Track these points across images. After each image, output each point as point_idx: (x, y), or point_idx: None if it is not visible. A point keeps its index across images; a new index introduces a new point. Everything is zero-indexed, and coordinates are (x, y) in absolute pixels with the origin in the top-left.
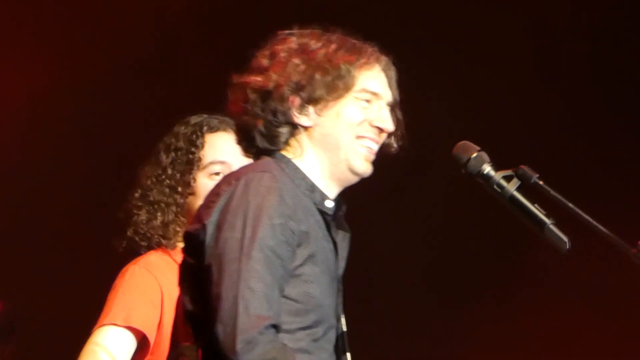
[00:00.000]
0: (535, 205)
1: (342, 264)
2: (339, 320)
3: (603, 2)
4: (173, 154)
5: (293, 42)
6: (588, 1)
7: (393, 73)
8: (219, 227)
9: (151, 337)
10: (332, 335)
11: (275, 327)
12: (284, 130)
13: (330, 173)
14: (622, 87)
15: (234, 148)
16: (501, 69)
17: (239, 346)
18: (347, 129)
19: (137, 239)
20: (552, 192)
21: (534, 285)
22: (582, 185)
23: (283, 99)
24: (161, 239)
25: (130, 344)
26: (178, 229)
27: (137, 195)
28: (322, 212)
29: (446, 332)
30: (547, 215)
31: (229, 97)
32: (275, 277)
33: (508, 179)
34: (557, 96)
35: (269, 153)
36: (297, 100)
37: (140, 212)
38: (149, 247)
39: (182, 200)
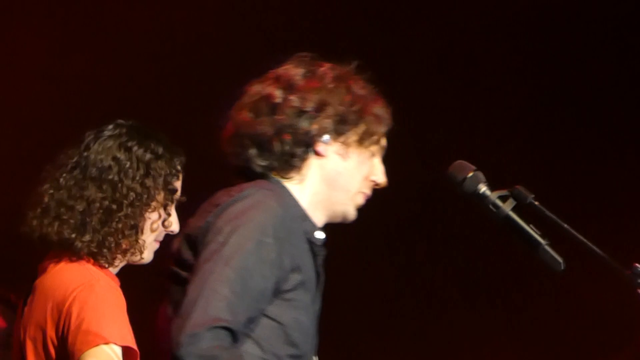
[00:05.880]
0: (531, 225)
1: (318, 301)
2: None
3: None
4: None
5: (327, 68)
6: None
7: None
8: (206, 232)
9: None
10: None
11: (232, 334)
12: (301, 150)
13: (324, 207)
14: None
15: None
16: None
17: (184, 339)
18: (360, 180)
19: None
20: (548, 213)
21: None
22: (578, 206)
23: (318, 123)
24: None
25: None
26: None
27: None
28: (311, 242)
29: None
30: (542, 236)
31: (240, 102)
32: (250, 292)
33: (504, 199)
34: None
35: (264, 175)
36: (326, 129)
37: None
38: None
39: None
